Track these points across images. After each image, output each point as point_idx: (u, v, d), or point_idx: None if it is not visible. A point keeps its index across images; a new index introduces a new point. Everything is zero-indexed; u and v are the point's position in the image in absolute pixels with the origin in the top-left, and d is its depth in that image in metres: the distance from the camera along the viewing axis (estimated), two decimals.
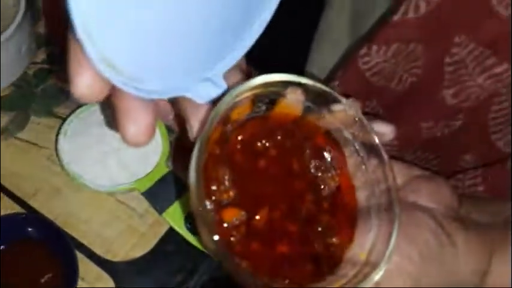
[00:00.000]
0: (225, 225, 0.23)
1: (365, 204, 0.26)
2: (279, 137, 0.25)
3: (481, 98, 0.36)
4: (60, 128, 0.45)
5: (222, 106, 0.21)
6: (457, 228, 0.27)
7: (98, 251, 0.44)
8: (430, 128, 0.40)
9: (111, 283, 0.43)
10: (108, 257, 0.44)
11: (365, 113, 0.25)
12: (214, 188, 0.23)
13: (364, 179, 0.26)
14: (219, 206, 0.23)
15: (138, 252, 0.45)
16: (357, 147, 0.26)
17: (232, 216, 0.23)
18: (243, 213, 0.23)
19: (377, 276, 0.23)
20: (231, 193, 0.23)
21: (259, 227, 0.24)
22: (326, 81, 0.44)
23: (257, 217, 0.24)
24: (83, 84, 0.16)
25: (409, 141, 0.41)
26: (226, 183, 0.23)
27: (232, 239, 0.23)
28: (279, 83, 0.23)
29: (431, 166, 0.42)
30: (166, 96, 0.20)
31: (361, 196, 0.26)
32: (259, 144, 0.25)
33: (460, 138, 0.39)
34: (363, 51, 0.37)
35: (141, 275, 0.45)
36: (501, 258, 0.29)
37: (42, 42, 0.54)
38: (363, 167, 0.26)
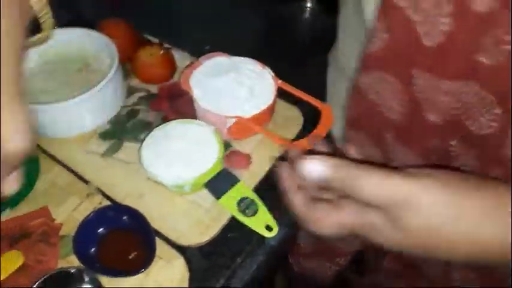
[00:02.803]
0: None
1: None
2: None
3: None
4: (142, 142, 0.59)
5: None
6: None
7: (173, 237, 0.54)
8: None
9: (182, 262, 0.52)
10: (181, 242, 0.54)
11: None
12: None
13: None
14: None
15: (204, 239, 0.54)
16: None
17: None
18: None
19: None
20: None
21: None
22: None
23: None
24: None
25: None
26: None
27: None
28: None
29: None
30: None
31: None
32: None
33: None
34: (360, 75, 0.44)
35: (206, 258, 0.53)
36: None
37: (132, 91, 0.71)
38: None
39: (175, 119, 0.65)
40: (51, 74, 0.66)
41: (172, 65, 0.72)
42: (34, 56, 0.67)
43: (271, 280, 0.90)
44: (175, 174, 0.54)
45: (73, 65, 0.67)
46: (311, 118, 0.63)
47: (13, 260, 0.51)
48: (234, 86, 0.61)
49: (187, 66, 0.65)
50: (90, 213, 0.53)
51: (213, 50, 0.80)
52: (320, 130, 0.56)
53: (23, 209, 0.57)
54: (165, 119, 0.67)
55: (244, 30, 0.85)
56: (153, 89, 0.72)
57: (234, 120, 0.58)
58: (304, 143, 0.55)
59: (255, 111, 0.59)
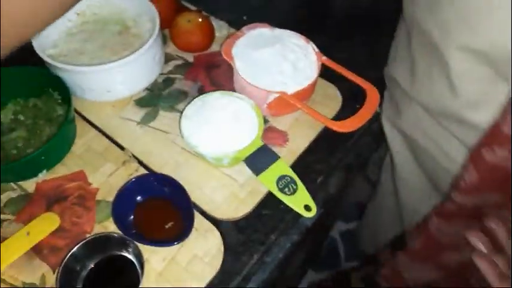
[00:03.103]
0: None
1: None
2: None
3: None
4: (182, 113, 0.58)
5: None
6: None
7: (208, 209, 0.54)
8: None
9: (218, 235, 0.52)
10: (216, 215, 0.53)
11: None
12: None
13: None
14: None
15: (239, 214, 0.54)
16: None
17: None
18: None
19: None
20: None
21: None
22: None
23: None
24: None
25: None
26: None
27: None
28: None
29: None
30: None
31: None
32: None
33: None
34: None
35: (241, 232, 0.53)
36: None
37: (168, 58, 0.69)
38: None
39: (211, 90, 0.64)
40: (89, 35, 0.64)
41: (211, 34, 0.69)
42: (72, 16, 0.66)
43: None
44: (216, 146, 0.53)
45: (112, 27, 0.66)
46: (353, 96, 0.61)
47: (49, 222, 0.52)
48: (278, 60, 0.58)
49: (229, 35, 0.63)
50: (129, 180, 0.52)
51: (251, 21, 0.78)
52: (365, 113, 0.54)
53: (60, 171, 0.57)
54: (201, 90, 0.65)
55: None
56: (190, 57, 0.70)
57: (276, 95, 0.56)
58: (348, 124, 0.54)
59: (298, 87, 0.57)
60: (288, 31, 0.62)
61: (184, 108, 0.57)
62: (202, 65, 0.69)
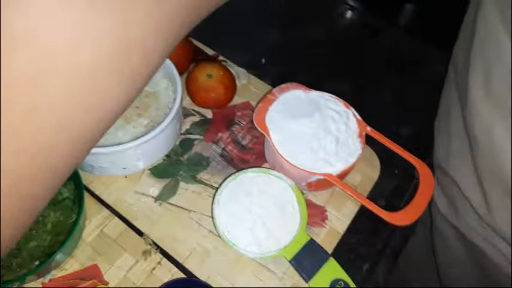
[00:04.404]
0: None
1: None
2: None
3: None
4: (213, 198, 0.50)
5: None
6: None
7: None
8: None
9: None
10: None
11: None
12: None
13: None
14: None
15: None
16: None
17: None
18: None
19: None
20: None
21: None
22: None
23: None
24: None
25: None
26: None
27: None
28: None
29: None
30: None
31: None
32: None
33: None
34: None
35: None
36: None
37: (184, 114, 0.61)
38: None
39: (235, 154, 0.57)
40: None
41: (233, 88, 0.62)
42: None
43: None
44: (254, 243, 0.46)
45: None
46: (389, 160, 0.56)
47: None
48: (319, 133, 0.52)
49: (260, 100, 0.56)
50: None
51: (270, 65, 0.70)
52: (421, 200, 0.48)
53: (69, 265, 0.49)
54: (224, 155, 0.58)
55: (302, 39, 0.74)
56: (208, 112, 0.62)
57: (318, 177, 0.50)
58: (404, 216, 0.48)
59: (343, 166, 0.50)
60: (326, 94, 0.56)
61: (216, 191, 0.50)
62: (222, 121, 0.61)
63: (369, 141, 0.53)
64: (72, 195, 0.50)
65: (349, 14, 0.79)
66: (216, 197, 0.49)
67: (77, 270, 0.49)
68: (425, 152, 0.60)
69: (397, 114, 0.63)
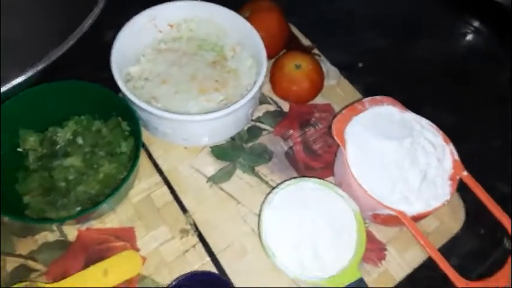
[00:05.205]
0: None
1: None
2: None
3: None
4: (266, 196, 0.46)
5: None
6: None
7: None
8: None
9: None
10: None
11: None
12: None
13: None
14: None
15: None
16: None
17: None
18: None
19: None
20: None
21: None
22: None
23: None
24: None
25: None
26: None
27: None
28: None
29: None
30: None
31: None
32: None
33: None
34: None
35: None
36: None
37: (260, 100, 0.57)
38: None
39: (301, 155, 0.52)
40: (178, 58, 0.53)
41: (320, 85, 0.56)
42: (164, 27, 0.55)
43: None
44: (296, 261, 0.42)
45: (206, 54, 0.54)
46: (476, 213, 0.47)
47: (131, 263, 0.44)
48: (404, 161, 0.45)
49: (346, 107, 0.50)
50: (177, 279, 0.42)
51: (366, 70, 0.64)
52: (503, 277, 0.40)
53: (108, 220, 0.48)
54: (289, 154, 0.53)
55: (409, 53, 0.66)
56: (285, 105, 0.58)
57: (390, 212, 0.43)
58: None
59: (422, 208, 0.43)
60: (424, 120, 0.48)
61: (271, 191, 0.45)
62: (297, 119, 0.57)
63: (460, 187, 0.46)
64: (129, 151, 0.49)
65: (470, 36, 0.69)
66: (269, 197, 0.45)
67: (115, 227, 0.48)
68: None
69: (503, 166, 0.53)
